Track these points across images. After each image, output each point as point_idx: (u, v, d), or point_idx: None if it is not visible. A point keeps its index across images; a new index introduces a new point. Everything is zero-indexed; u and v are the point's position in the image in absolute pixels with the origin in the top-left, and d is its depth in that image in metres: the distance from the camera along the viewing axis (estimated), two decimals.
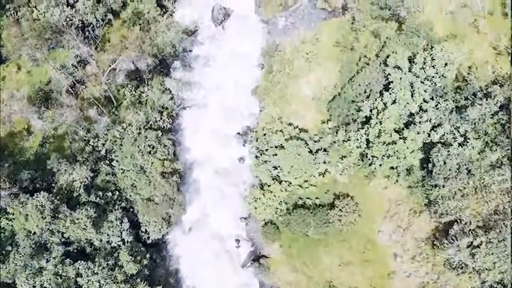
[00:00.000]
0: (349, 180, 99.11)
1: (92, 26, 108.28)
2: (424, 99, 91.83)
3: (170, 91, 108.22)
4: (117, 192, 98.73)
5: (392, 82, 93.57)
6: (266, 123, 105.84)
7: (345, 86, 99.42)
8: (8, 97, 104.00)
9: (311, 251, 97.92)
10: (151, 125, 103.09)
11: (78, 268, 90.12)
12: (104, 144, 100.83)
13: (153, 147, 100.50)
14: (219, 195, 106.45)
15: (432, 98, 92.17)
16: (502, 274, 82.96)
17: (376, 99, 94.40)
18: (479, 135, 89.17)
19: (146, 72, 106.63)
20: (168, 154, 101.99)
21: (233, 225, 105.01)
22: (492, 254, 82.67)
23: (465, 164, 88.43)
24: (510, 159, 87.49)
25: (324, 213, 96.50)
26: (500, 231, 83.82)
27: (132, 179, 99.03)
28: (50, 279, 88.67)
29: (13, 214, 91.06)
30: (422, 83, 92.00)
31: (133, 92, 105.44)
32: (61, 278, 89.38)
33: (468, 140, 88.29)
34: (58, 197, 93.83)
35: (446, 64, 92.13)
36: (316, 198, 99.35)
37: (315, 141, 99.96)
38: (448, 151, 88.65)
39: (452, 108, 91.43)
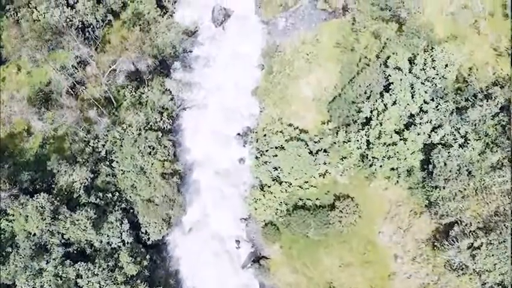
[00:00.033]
0: (349, 181, 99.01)
1: (92, 26, 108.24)
2: (424, 100, 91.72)
3: (170, 92, 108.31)
4: (117, 193, 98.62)
5: (392, 83, 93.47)
6: (266, 124, 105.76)
7: (345, 87, 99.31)
8: (8, 98, 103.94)
9: (311, 252, 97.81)
10: (151, 125, 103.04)
11: (78, 269, 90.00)
12: (104, 145, 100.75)
13: (153, 148, 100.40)
14: (219, 196, 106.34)
15: (432, 99, 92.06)
16: (502, 276, 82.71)
17: (376, 100, 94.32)
18: (479, 137, 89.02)
19: (146, 73, 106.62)
20: (168, 155, 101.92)
21: (233, 226, 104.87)
22: (492, 255, 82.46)
23: (465, 165, 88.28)
24: (510, 161, 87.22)
25: (324, 215, 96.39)
26: (500, 233, 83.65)
27: (132, 180, 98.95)
28: (50, 280, 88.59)
29: (13, 215, 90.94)
30: (423, 84, 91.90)
31: (134, 93, 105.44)
32: (61, 279, 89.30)
33: (468, 141, 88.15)
34: (58, 198, 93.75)
35: (446, 65, 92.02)
36: (317, 199, 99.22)
37: (315, 142, 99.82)
38: (449, 152, 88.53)
39: (453, 109, 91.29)
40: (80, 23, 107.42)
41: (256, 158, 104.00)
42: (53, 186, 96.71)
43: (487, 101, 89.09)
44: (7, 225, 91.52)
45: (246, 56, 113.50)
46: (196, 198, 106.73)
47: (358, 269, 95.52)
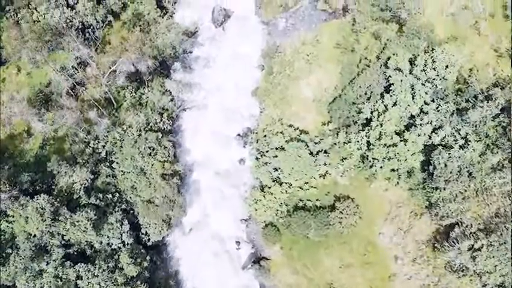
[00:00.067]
0: (349, 182, 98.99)
1: (92, 27, 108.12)
2: (425, 101, 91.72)
3: (170, 92, 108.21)
4: (118, 194, 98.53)
5: (393, 84, 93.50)
6: (266, 125, 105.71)
7: (345, 88, 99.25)
8: (8, 99, 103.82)
9: (312, 253, 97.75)
10: (151, 126, 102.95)
11: (79, 270, 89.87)
12: (104, 146, 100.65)
13: (154, 149, 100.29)
14: (220, 196, 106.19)
15: (433, 100, 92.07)
16: (503, 277, 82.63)
17: (376, 101, 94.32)
18: (480, 138, 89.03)
19: (146, 73, 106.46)
20: (169, 156, 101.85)
21: (233, 227, 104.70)
22: (493, 257, 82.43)
23: (466, 167, 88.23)
24: (511, 162, 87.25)
25: (325, 215, 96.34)
26: (501, 234, 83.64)
27: (133, 181, 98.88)
28: (50, 281, 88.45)
29: (13, 216, 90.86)
30: (423, 85, 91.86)
31: (134, 94, 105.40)
32: (61, 280, 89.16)
33: (469, 143, 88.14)
34: (58, 199, 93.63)
35: (447, 66, 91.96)
36: (317, 200, 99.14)
37: (316, 143, 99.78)
38: (449, 153, 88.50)
39: (453, 110, 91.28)
40: (80, 23, 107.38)
41: (257, 158, 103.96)
42: (53, 187, 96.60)
43: (488, 102, 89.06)
44: (7, 226, 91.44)
45: (246, 56, 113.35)
46: (197, 198, 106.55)
47: (358, 270, 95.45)
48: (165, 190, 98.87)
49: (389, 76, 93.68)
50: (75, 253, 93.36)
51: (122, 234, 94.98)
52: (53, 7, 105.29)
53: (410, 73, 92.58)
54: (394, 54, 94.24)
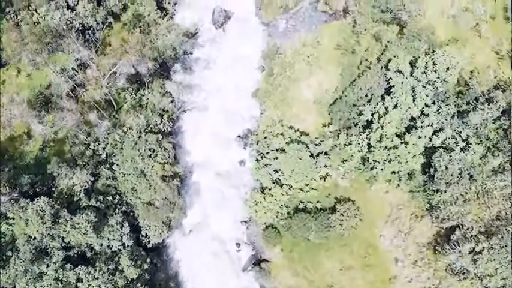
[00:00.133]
0: (350, 184, 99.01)
1: (92, 29, 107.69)
2: (425, 103, 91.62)
3: (171, 94, 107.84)
4: (118, 196, 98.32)
5: (393, 86, 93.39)
6: (267, 126, 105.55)
7: (346, 90, 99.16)
8: (8, 101, 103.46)
9: (312, 255, 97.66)
10: (151, 128, 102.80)
11: (79, 273, 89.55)
12: (104, 148, 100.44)
13: (154, 151, 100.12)
14: (220, 198, 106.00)
15: (434, 103, 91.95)
16: (504, 280, 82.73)
17: (377, 103, 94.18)
18: (481, 141, 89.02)
19: (147, 75, 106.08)
20: (169, 157, 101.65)
21: (234, 229, 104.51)
22: (494, 260, 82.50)
23: (467, 169, 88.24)
24: None
25: (325, 218, 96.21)
26: (502, 237, 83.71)
27: (133, 182, 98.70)
28: (50, 284, 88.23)
29: (13, 219, 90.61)
30: (424, 87, 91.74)
31: (134, 95, 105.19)
32: (61, 283, 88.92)
33: (470, 145, 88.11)
34: (58, 202, 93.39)
35: (448, 68, 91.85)
36: (317, 202, 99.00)
37: (316, 145, 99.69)
38: (450, 156, 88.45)
39: (454, 113, 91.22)
40: (80, 25, 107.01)
41: (257, 160, 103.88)
42: (53, 189, 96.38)
43: (489, 105, 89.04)
44: (7, 228, 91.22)
45: (247, 57, 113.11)
46: (197, 200, 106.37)
47: (359, 273, 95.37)
48: (166, 192, 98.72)
49: (390, 78, 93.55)
50: (76, 255, 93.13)
51: (122, 237, 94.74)
52: (53, 9, 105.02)
53: (411, 75, 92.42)
54: (394, 56, 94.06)
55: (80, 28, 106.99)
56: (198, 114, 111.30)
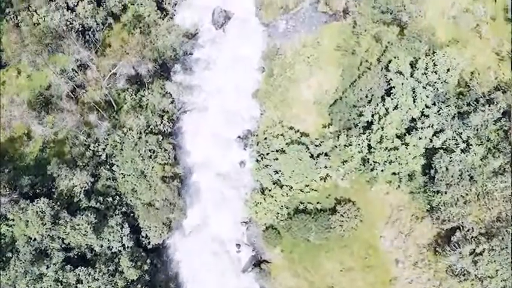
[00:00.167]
0: (350, 185, 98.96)
1: (92, 30, 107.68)
2: (426, 104, 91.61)
3: (171, 95, 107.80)
4: (118, 197, 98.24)
5: (394, 87, 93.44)
6: (267, 127, 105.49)
7: (346, 91, 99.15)
8: (8, 102, 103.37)
9: (312, 256, 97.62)
10: (151, 129, 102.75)
11: (79, 274, 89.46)
12: (104, 149, 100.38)
13: (154, 152, 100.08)
14: (220, 199, 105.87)
15: (434, 104, 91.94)
16: (504, 282, 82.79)
17: (377, 105, 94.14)
18: (481, 142, 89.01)
19: (147, 76, 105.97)
20: (169, 158, 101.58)
21: (234, 230, 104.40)
22: (495, 261, 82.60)
23: (467, 171, 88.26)
24: None
25: (326, 219, 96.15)
26: (502, 239, 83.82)
27: (133, 183, 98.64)
28: (50, 285, 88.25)
29: (13, 220, 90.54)
30: (424, 88, 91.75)
31: (134, 96, 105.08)
32: (61, 284, 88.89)
33: (470, 146, 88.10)
34: (58, 203, 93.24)
35: (448, 70, 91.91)
36: (318, 203, 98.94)
37: (316, 146, 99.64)
38: (450, 157, 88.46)
39: (455, 114, 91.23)
40: (80, 26, 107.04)
41: (257, 161, 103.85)
42: (53, 190, 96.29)
43: (489, 106, 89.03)
44: (7, 230, 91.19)
45: (247, 58, 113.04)
46: (197, 201, 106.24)
47: (359, 274, 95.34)
48: (166, 193, 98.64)
49: (390, 79, 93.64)
50: (76, 257, 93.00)
51: (122, 238, 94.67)
52: (53, 10, 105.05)
53: (411, 76, 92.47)
54: (395, 57, 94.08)
55: (80, 29, 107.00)
56: (198, 115, 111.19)
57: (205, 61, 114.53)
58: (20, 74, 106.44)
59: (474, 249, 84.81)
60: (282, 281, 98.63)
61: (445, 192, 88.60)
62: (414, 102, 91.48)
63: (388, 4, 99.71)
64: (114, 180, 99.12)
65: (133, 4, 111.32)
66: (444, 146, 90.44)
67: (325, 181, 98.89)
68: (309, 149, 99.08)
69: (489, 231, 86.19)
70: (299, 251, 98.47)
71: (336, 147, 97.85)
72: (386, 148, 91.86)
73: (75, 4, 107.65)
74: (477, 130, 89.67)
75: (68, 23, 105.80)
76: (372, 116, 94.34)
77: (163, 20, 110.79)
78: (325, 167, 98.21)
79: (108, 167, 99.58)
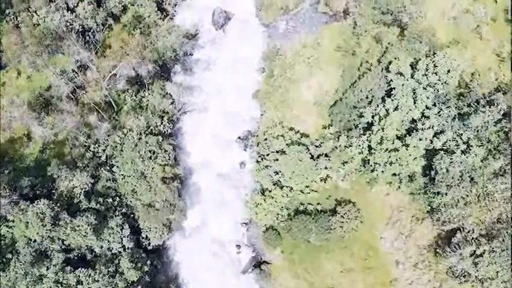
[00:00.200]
0: (350, 186, 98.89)
1: (92, 30, 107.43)
2: (426, 105, 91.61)
3: (171, 95, 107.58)
4: (118, 198, 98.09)
5: (394, 88, 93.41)
6: (267, 128, 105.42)
7: (346, 92, 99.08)
8: (8, 103, 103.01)
9: (313, 257, 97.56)
10: (152, 130, 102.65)
11: (79, 275, 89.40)
12: (104, 150, 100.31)
13: (154, 153, 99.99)
14: (220, 200, 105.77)
15: (435, 105, 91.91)
16: (505, 283, 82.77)
17: (378, 106, 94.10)
18: (482, 143, 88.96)
19: (147, 77, 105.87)
20: (169, 159, 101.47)
21: (234, 231, 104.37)
22: (495, 263, 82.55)
23: (468, 172, 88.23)
24: None
25: (326, 220, 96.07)
26: (503, 240, 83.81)
27: (133, 184, 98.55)
28: (50, 287, 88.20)
29: (13, 221, 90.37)
30: (425, 89, 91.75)
31: (134, 97, 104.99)
32: (62, 285, 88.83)
33: (471, 148, 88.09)
34: (58, 204, 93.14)
35: (449, 71, 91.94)
36: (318, 204, 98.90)
37: (317, 147, 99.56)
38: (451, 158, 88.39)
39: (455, 115, 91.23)
40: (80, 27, 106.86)
41: (257, 162, 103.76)
42: (53, 191, 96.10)
43: (490, 107, 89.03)
44: (7, 231, 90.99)
45: (247, 59, 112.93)
46: (197, 202, 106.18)
47: (359, 275, 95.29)
48: (166, 194, 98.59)
49: (391, 80, 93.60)
50: (76, 258, 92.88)
51: (122, 239, 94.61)
52: (53, 10, 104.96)
53: (411, 77, 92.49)
54: (395, 58, 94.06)
55: (80, 30, 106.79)
56: (198, 116, 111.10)
57: (205, 62, 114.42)
58: (20, 75, 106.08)
59: (474, 251, 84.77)
60: (282, 282, 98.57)
61: (446, 194, 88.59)
62: (414, 103, 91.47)
63: (389, 5, 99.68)
64: (114, 181, 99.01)
65: (134, 5, 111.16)
66: (444, 147, 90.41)
67: (325, 182, 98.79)
68: (309, 150, 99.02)
69: (489, 232, 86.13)
70: (299, 252, 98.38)
71: (336, 148, 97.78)
72: (386, 149, 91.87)
73: (75, 5, 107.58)
74: (477, 131, 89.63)
75: (68, 23, 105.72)
76: (372, 117, 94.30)
77: (163, 20, 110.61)
78: (326, 168, 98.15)
79: (108, 168, 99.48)
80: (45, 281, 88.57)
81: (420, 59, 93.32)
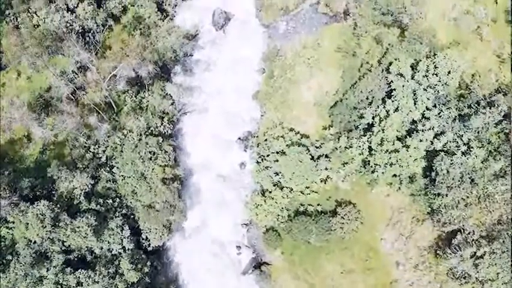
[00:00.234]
0: (351, 187, 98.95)
1: (92, 31, 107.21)
2: (426, 107, 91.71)
3: (171, 96, 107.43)
4: (118, 199, 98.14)
5: (394, 89, 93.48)
6: (267, 129, 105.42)
7: (346, 92, 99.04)
8: (8, 104, 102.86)
9: (313, 258, 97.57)
10: (152, 131, 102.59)
11: (79, 277, 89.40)
12: (104, 151, 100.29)
13: (154, 154, 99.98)
14: (220, 201, 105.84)
15: (435, 106, 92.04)
16: (505, 285, 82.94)
17: (378, 107, 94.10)
18: (482, 144, 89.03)
19: (147, 77, 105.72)
20: (169, 160, 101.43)
21: (234, 232, 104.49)
22: (495, 264, 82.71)
23: (468, 173, 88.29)
24: None
25: (326, 221, 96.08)
26: (503, 242, 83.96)
27: (133, 185, 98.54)
28: None
29: (13, 223, 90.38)
30: (425, 90, 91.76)
31: (134, 98, 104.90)
32: (62, 286, 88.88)
33: (471, 149, 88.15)
34: (58, 205, 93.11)
35: (449, 72, 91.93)
36: (318, 205, 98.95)
37: (317, 147, 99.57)
38: (451, 160, 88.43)
39: (455, 116, 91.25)
40: (80, 27, 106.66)
41: (257, 162, 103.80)
42: (53, 192, 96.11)
43: (490, 109, 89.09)
44: (7, 232, 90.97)
45: (247, 59, 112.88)
46: (197, 203, 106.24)
47: (359, 276, 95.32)
48: (166, 195, 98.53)
49: (391, 81, 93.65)
50: (76, 259, 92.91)
51: (122, 240, 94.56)
52: (53, 11, 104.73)
53: (412, 78, 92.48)
54: (395, 59, 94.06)
55: (80, 31, 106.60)
56: (198, 117, 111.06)
57: (205, 62, 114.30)
58: (20, 76, 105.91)
59: (475, 252, 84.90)
60: (282, 283, 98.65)
61: (446, 195, 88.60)
62: (415, 104, 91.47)
63: (389, 6, 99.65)
64: (114, 182, 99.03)
65: (134, 5, 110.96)
66: (445, 149, 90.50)
67: (325, 183, 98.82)
68: (309, 151, 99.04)
69: (490, 234, 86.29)
70: (299, 253, 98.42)
71: (337, 149, 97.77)
72: (387, 150, 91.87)
73: (75, 6, 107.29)
74: (478, 132, 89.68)
75: (68, 24, 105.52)
76: (373, 118, 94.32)
77: (163, 21, 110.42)
78: (326, 169, 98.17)
79: (108, 169, 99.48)
80: (45, 283, 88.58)
81: (420, 60, 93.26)
